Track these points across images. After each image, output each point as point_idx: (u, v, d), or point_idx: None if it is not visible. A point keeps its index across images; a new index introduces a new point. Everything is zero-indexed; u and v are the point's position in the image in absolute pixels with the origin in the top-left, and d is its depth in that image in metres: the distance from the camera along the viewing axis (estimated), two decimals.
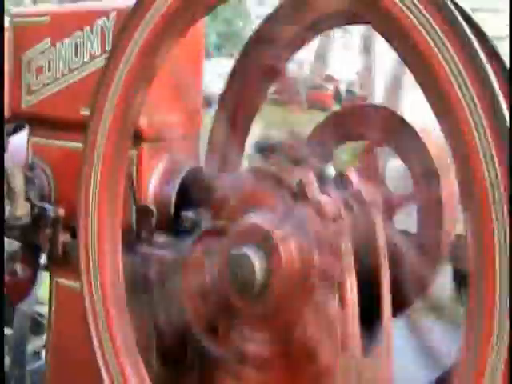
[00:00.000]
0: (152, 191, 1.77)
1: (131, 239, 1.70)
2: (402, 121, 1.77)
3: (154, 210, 1.70)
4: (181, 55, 1.73)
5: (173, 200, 1.74)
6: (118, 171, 1.53)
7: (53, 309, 1.97)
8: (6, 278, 2.17)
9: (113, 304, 1.51)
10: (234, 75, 1.98)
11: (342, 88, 16.19)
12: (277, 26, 1.85)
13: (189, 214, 1.69)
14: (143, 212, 1.71)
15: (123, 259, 1.56)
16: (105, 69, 1.51)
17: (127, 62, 1.47)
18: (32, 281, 2.20)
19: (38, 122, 1.97)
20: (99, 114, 1.52)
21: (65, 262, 1.88)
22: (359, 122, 1.86)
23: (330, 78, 14.88)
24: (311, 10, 1.82)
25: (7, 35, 1.99)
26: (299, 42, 1.91)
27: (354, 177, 1.69)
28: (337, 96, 14.92)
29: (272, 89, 1.97)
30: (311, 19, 1.84)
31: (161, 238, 1.70)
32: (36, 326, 2.81)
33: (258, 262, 1.33)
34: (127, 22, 1.46)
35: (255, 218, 1.38)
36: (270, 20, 1.89)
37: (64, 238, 1.87)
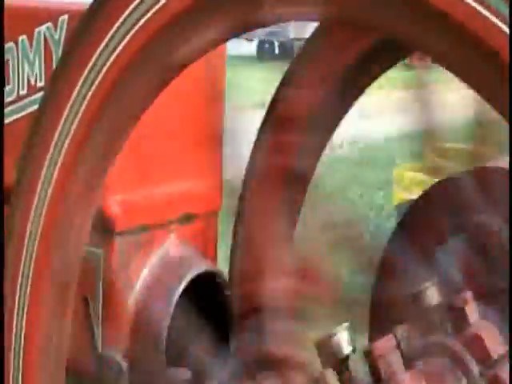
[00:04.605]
0: (130, 320, 1.04)
1: None
2: None
3: (125, 365, 0.97)
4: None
5: (162, 345, 1.00)
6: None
7: None
8: None
9: None
10: None
11: None
12: None
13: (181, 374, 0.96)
14: (109, 367, 0.99)
15: None
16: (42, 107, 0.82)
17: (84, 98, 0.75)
18: None
19: None
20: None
21: None
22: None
23: None
24: None
25: None
26: None
27: (472, 310, 0.95)
28: None
29: None
30: None
31: None
32: None
33: None
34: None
35: None
36: None
37: None
